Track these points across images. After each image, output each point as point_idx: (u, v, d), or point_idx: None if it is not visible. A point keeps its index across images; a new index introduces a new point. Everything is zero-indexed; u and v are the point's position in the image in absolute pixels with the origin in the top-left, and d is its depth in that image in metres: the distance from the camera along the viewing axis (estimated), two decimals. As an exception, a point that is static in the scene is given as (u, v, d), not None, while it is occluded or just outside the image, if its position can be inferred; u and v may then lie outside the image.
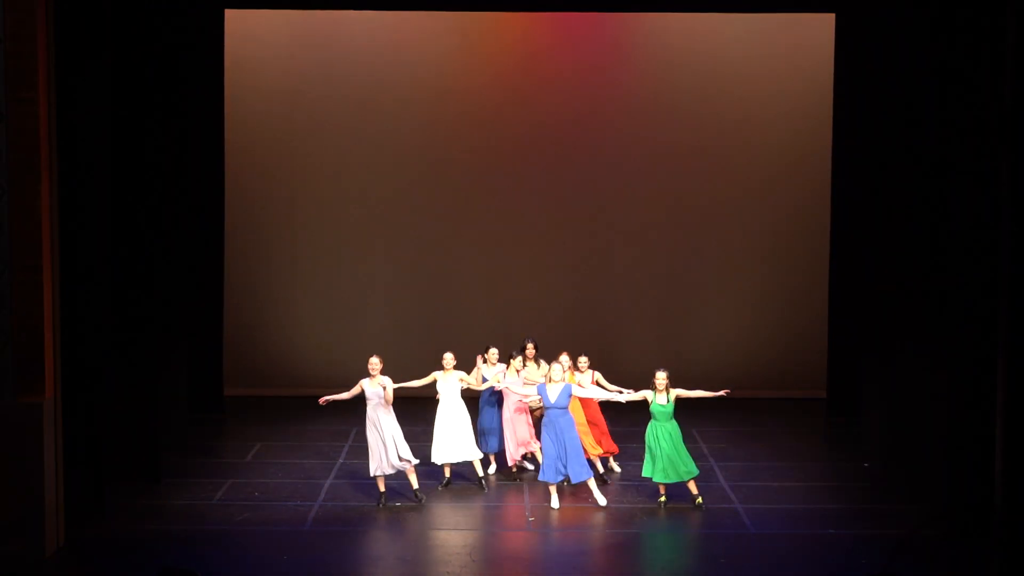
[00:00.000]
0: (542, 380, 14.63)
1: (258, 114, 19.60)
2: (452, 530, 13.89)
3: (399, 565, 12.73)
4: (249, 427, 17.90)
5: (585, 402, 15.13)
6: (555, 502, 14.29)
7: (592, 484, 14.38)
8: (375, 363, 14.37)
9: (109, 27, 13.83)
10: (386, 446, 14.21)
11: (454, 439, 14.94)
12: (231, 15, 18.46)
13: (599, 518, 14.14)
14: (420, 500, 14.35)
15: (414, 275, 19.97)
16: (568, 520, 14.05)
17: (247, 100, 19.40)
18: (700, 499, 14.25)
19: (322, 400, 14.64)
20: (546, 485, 14.38)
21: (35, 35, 12.30)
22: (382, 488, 14.39)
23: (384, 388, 14.26)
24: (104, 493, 13.84)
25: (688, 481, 14.29)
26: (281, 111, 19.70)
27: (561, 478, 14.25)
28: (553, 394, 14.23)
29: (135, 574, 12.14)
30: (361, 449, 16.55)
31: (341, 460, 16.21)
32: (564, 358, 14.91)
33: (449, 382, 14.99)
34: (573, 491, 14.76)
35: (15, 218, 12.38)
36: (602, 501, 14.32)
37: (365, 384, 14.36)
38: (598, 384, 15.10)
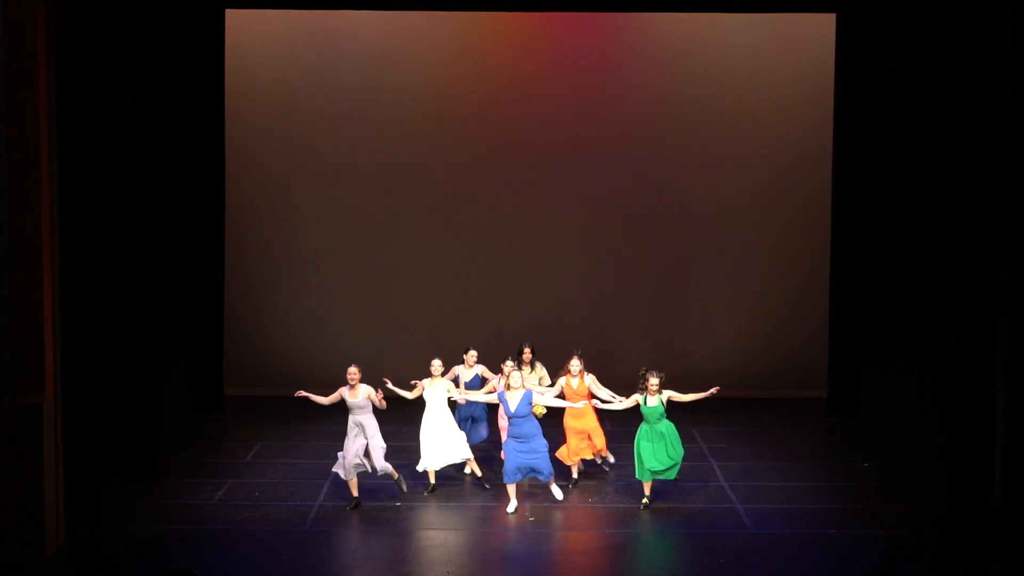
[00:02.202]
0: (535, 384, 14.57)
1: (258, 114, 19.59)
2: (452, 530, 13.90)
3: (399, 565, 12.73)
4: (249, 427, 17.90)
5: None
6: (512, 505, 14.21)
7: (553, 483, 14.44)
8: (354, 372, 14.36)
9: (109, 27, 13.83)
10: (366, 452, 14.28)
11: (442, 445, 14.86)
12: (231, 15, 18.45)
13: (599, 519, 14.15)
14: (400, 501, 14.42)
15: (414, 275, 19.96)
16: (567, 520, 14.06)
17: (247, 100, 19.39)
18: (646, 500, 14.30)
19: (299, 393, 14.63)
20: (514, 486, 14.28)
21: (35, 35, 12.31)
22: (355, 492, 14.39)
23: (370, 397, 14.30)
24: (104, 493, 13.85)
25: (649, 482, 14.30)
26: (281, 111, 19.69)
27: (521, 478, 14.20)
28: (513, 402, 14.15)
29: (135, 574, 12.15)
30: (361, 449, 16.62)
31: (341, 460, 16.21)
32: (575, 363, 14.86)
33: (436, 389, 14.92)
34: (576, 492, 14.80)
35: (15, 218, 12.38)
36: (559, 496, 14.45)
37: (345, 394, 14.36)
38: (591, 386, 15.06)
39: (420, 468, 14.93)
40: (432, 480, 14.97)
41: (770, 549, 13.04)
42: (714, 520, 13.94)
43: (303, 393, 14.62)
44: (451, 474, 15.32)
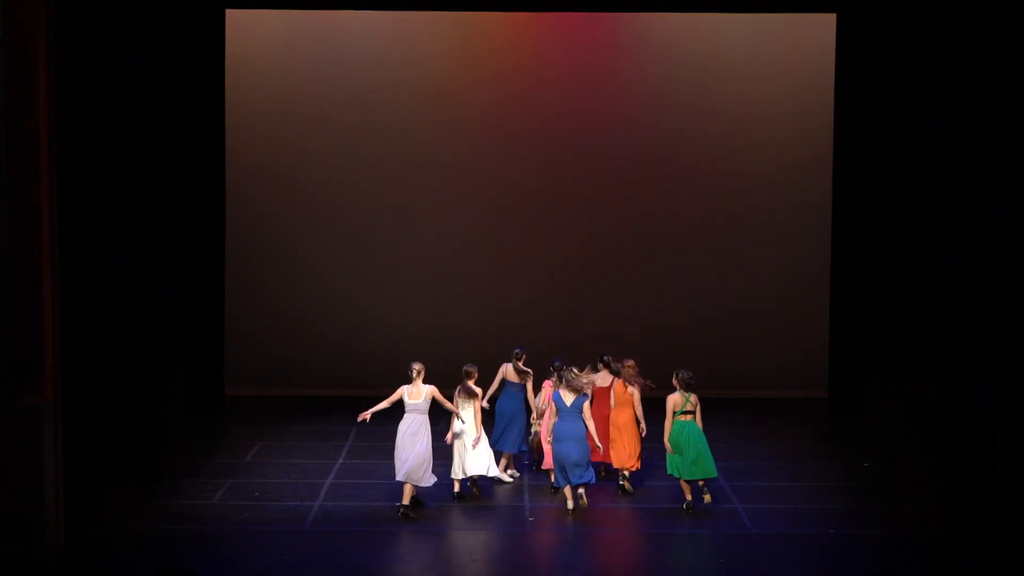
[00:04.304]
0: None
1: (258, 114, 19.60)
2: (452, 530, 13.89)
3: (398, 565, 12.73)
4: (249, 427, 17.88)
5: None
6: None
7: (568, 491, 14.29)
8: (418, 368, 14.03)
9: (109, 27, 13.83)
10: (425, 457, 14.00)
11: (470, 455, 14.50)
12: (231, 15, 18.46)
13: (599, 519, 14.14)
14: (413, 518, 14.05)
15: (415, 274, 19.95)
16: (568, 520, 14.04)
17: (247, 100, 19.40)
18: (709, 496, 14.23)
19: (362, 417, 14.00)
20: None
21: (35, 35, 12.31)
22: (406, 500, 14.03)
23: (434, 395, 13.96)
24: (104, 493, 13.84)
25: (702, 480, 14.24)
26: (281, 111, 19.70)
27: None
28: (568, 400, 14.19)
29: (135, 574, 12.14)
30: (361, 449, 16.62)
31: (341, 460, 16.21)
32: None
33: (468, 411, 14.49)
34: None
35: (15, 218, 12.38)
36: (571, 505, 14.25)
37: (406, 392, 14.00)
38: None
39: (455, 476, 14.54)
40: (458, 489, 14.60)
41: (770, 549, 13.04)
42: (714, 520, 13.94)
43: (367, 415, 13.99)
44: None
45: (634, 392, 14.76)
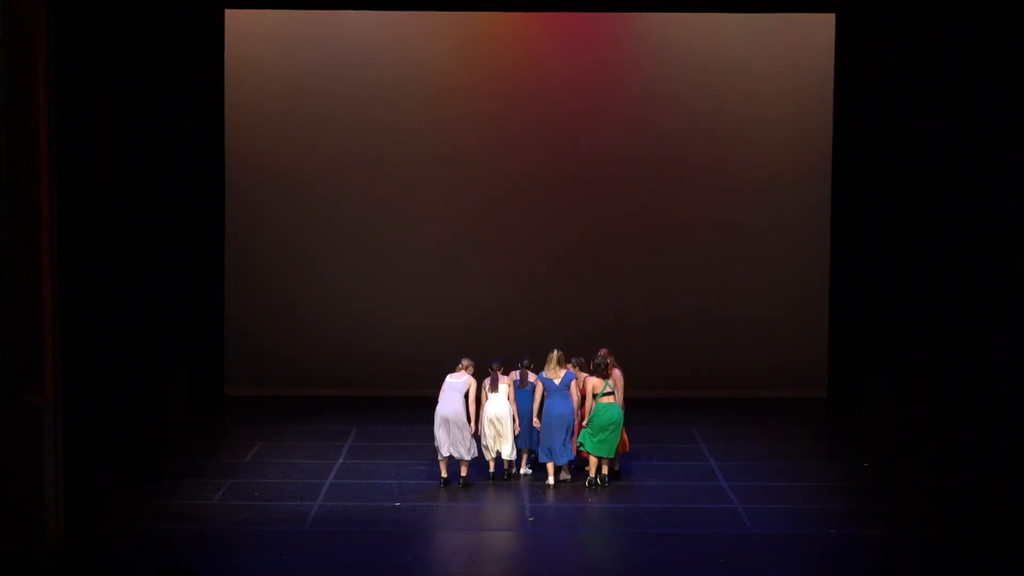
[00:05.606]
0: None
1: (258, 114, 19.59)
2: (452, 530, 13.89)
3: (399, 565, 12.72)
4: (249, 427, 17.88)
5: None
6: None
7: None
8: (467, 364, 15.19)
9: (109, 27, 13.83)
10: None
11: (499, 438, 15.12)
12: (231, 15, 18.46)
13: (599, 518, 14.15)
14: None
15: (416, 275, 19.94)
16: (568, 520, 14.06)
17: (247, 100, 19.39)
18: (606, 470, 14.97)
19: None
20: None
21: (35, 35, 12.31)
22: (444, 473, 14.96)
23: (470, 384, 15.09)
24: (104, 493, 13.84)
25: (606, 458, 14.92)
26: (281, 111, 19.69)
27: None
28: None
29: (135, 574, 12.14)
30: (361, 449, 16.62)
31: (341, 460, 16.20)
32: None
33: (500, 394, 15.17)
34: (573, 488, 14.82)
35: (15, 218, 12.38)
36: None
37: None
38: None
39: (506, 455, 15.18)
40: (493, 469, 15.20)
41: (770, 549, 13.05)
42: (714, 520, 13.94)
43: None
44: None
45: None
